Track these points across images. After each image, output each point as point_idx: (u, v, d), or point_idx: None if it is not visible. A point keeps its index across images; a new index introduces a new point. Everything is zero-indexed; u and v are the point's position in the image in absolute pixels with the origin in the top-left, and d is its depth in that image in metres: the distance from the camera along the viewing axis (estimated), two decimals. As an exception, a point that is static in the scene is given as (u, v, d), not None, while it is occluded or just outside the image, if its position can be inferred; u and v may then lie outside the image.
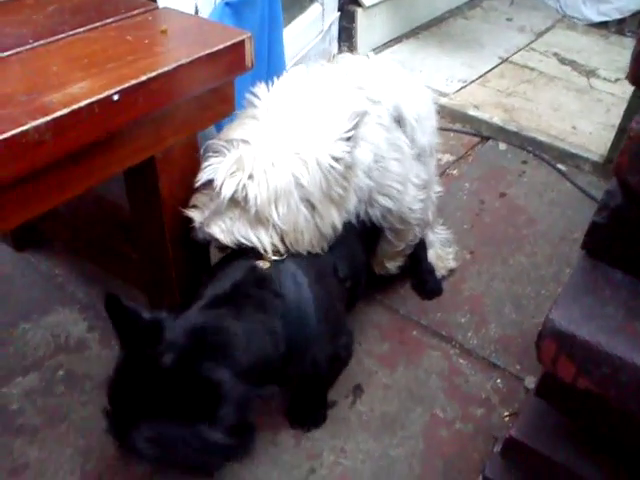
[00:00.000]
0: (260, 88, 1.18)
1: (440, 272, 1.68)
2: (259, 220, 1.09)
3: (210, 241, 1.14)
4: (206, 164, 1.10)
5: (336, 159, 1.08)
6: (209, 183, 1.10)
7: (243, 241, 1.10)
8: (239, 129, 1.11)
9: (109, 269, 1.49)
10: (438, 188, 1.64)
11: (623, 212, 0.68)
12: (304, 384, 1.32)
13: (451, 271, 1.71)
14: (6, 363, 1.40)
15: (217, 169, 1.07)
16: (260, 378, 1.01)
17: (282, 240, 1.11)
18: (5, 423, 1.27)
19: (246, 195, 1.06)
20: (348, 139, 1.09)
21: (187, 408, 0.89)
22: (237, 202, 1.08)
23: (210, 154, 1.10)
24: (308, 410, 1.33)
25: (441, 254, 1.70)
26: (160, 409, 0.90)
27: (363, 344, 1.50)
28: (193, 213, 1.13)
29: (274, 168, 1.05)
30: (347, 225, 1.22)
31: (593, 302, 0.70)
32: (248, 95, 1.17)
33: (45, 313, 1.53)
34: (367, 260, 1.43)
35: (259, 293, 1.06)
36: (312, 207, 1.10)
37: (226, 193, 1.06)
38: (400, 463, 1.27)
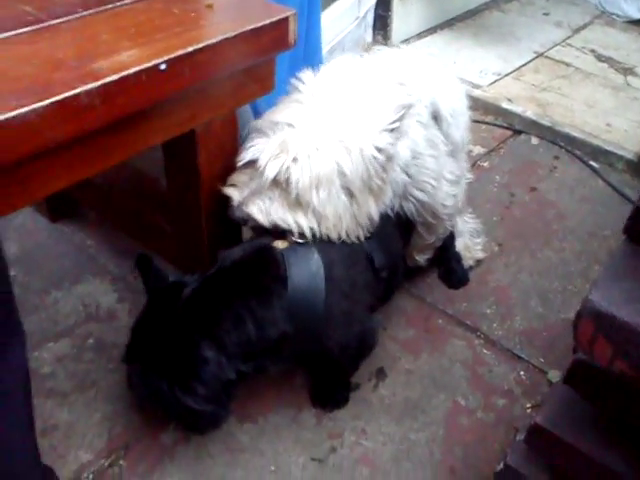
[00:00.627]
0: (305, 74, 1.18)
1: (467, 262, 1.68)
2: (299, 203, 1.10)
3: (246, 221, 1.15)
4: (250, 144, 1.11)
5: (379, 150, 1.08)
6: (251, 163, 1.11)
7: (280, 223, 1.11)
8: (285, 112, 1.12)
9: (142, 241, 1.51)
10: (468, 175, 1.64)
11: (666, 198, 0.68)
12: (321, 366, 1.34)
13: (478, 262, 1.71)
14: (39, 328, 1.43)
15: (262, 150, 1.08)
16: (247, 357, 1.08)
17: (318, 225, 1.12)
18: (36, 385, 1.28)
19: (289, 178, 1.07)
20: (392, 131, 1.09)
21: (170, 369, 1.03)
22: (279, 184, 1.09)
23: (255, 134, 1.11)
24: (330, 391, 1.34)
25: (469, 244, 1.70)
26: (153, 363, 1.05)
27: (388, 329, 1.51)
28: (232, 191, 1.14)
29: (318, 153, 1.06)
30: (385, 217, 1.24)
31: (633, 286, 0.70)
32: (293, 80, 1.18)
33: (77, 282, 1.56)
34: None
35: (257, 278, 1.09)
36: (351, 196, 1.11)
37: (269, 174, 1.07)
38: (420, 447, 1.28)
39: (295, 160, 1.06)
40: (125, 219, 1.51)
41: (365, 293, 1.20)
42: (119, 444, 1.23)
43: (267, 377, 1.34)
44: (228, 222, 1.24)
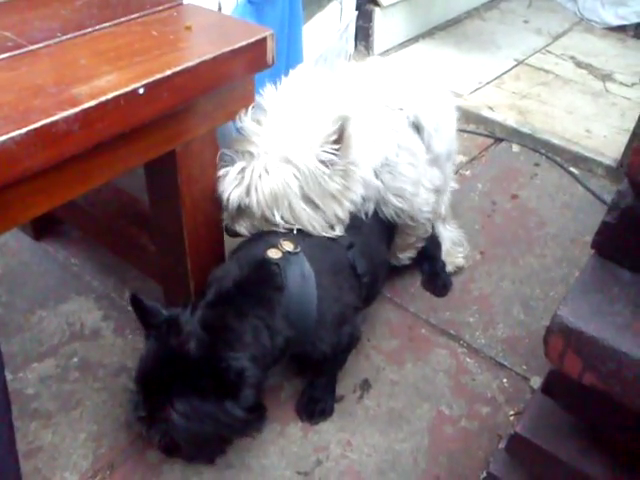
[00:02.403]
0: (267, 88, 1.25)
1: (447, 268, 1.71)
2: (267, 220, 1.20)
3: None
4: (219, 175, 1.20)
5: (323, 162, 1.15)
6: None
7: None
8: (244, 140, 1.19)
9: (126, 259, 1.52)
10: (452, 184, 1.67)
11: (633, 212, 0.70)
12: (312, 368, 1.37)
13: (459, 269, 1.73)
14: (22, 348, 1.43)
15: (224, 181, 1.19)
16: (265, 365, 1.13)
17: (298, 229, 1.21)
18: (21, 407, 1.30)
19: (248, 203, 1.18)
20: (334, 142, 1.14)
21: (215, 389, 1.04)
22: (244, 209, 1.20)
23: (222, 164, 1.20)
24: (316, 401, 1.36)
25: (451, 251, 1.72)
26: (190, 389, 1.04)
27: (372, 340, 1.53)
28: (223, 214, 1.26)
29: (268, 176, 1.15)
30: (371, 223, 1.34)
31: (601, 300, 0.72)
32: (257, 97, 1.23)
33: (61, 301, 1.56)
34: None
35: (261, 291, 1.13)
36: (313, 203, 1.19)
37: (233, 205, 1.19)
38: (405, 458, 1.29)
39: (250, 186, 1.16)
40: (108, 237, 1.51)
41: (351, 296, 1.25)
42: (104, 464, 1.23)
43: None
44: (210, 240, 1.26)
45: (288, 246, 1.16)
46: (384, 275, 1.46)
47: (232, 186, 1.18)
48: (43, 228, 1.70)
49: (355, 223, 1.29)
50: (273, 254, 1.14)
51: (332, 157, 1.15)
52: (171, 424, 1.05)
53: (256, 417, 1.12)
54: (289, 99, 1.23)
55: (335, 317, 1.21)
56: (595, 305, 0.71)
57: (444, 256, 1.70)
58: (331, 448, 1.29)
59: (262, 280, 1.13)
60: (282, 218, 1.19)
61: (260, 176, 1.15)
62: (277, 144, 1.16)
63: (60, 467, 1.22)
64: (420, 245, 1.59)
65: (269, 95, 1.23)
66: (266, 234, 1.22)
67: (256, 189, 1.16)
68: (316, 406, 1.35)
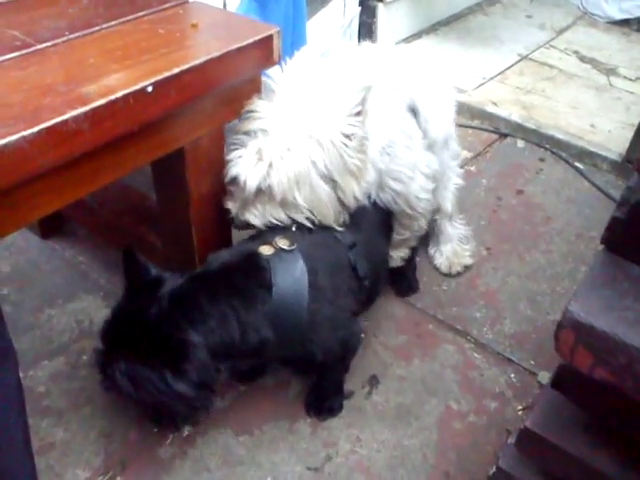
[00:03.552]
0: (274, 70, 1.20)
1: (455, 268, 1.71)
2: (286, 204, 1.15)
3: (248, 225, 1.21)
4: (229, 159, 1.14)
5: (347, 136, 1.11)
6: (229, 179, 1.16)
7: (275, 222, 1.17)
8: (257, 119, 1.13)
9: (133, 257, 1.53)
10: (458, 180, 1.66)
11: (643, 208, 0.70)
12: (311, 370, 1.36)
13: (466, 267, 1.73)
14: (33, 347, 1.44)
15: (239, 163, 1.12)
16: (227, 356, 1.10)
17: (313, 215, 1.17)
18: (31, 404, 1.30)
19: (269, 185, 1.11)
20: (357, 114, 1.11)
21: (159, 356, 1.03)
22: (262, 192, 1.13)
23: (232, 147, 1.15)
24: (324, 398, 1.36)
25: (458, 250, 1.72)
26: (138, 352, 1.03)
27: (379, 336, 1.53)
28: (229, 203, 1.19)
29: (291, 153, 1.10)
30: (370, 220, 1.29)
31: (611, 295, 0.72)
32: (265, 79, 1.20)
33: (69, 299, 1.57)
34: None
35: (243, 283, 1.10)
36: (333, 182, 1.15)
37: (251, 187, 1.12)
38: (414, 453, 1.29)
39: (271, 166, 1.10)
40: (115, 234, 1.52)
41: (348, 299, 1.22)
42: (116, 460, 1.24)
43: (262, 389, 1.36)
44: (218, 237, 1.27)
45: (283, 243, 1.13)
46: (385, 275, 1.43)
47: (250, 167, 1.11)
48: (50, 226, 1.71)
49: (356, 220, 1.25)
50: (265, 250, 1.12)
51: (355, 130, 1.11)
52: (116, 382, 1.05)
53: (200, 397, 1.08)
54: (298, 78, 1.18)
55: (328, 321, 1.17)
56: (605, 300, 0.71)
57: (451, 256, 1.70)
58: (340, 444, 1.30)
59: (247, 273, 1.11)
60: (301, 203, 1.14)
61: (282, 155, 1.09)
62: (297, 119, 1.11)
63: (72, 464, 1.23)
64: (413, 244, 1.55)
65: (275, 75, 1.19)
66: (270, 231, 1.18)
67: (278, 168, 1.10)
68: (324, 403, 1.35)
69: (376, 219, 1.35)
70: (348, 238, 1.22)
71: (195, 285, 1.09)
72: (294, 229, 1.17)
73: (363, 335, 1.51)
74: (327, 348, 1.20)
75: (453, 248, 1.71)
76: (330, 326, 1.18)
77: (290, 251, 1.12)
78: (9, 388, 0.85)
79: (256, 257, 1.11)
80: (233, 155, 1.14)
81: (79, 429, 1.28)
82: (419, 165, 1.36)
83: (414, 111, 1.36)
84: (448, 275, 1.71)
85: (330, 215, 1.18)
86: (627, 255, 0.75)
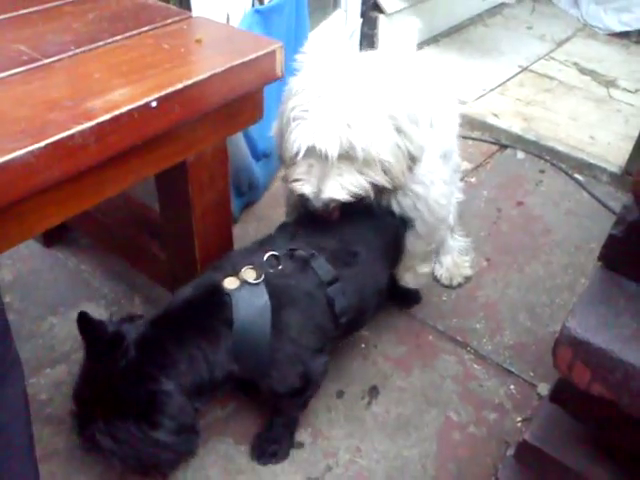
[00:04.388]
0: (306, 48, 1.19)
1: (456, 280, 1.72)
2: (367, 163, 1.14)
3: (328, 205, 1.18)
4: (294, 135, 1.11)
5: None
6: (304, 154, 1.13)
7: (359, 191, 1.16)
8: (310, 92, 1.11)
9: (136, 267, 1.54)
10: (459, 194, 1.68)
11: (639, 227, 0.71)
12: (270, 402, 1.32)
13: (467, 278, 1.74)
14: (35, 355, 1.45)
15: (314, 133, 1.09)
16: (200, 394, 1.09)
17: (386, 176, 1.17)
18: (34, 412, 1.30)
19: (351, 144, 1.10)
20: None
21: (135, 410, 1.02)
22: (343, 156, 1.12)
23: (292, 125, 1.12)
24: (272, 441, 1.30)
25: (458, 261, 1.73)
26: (114, 408, 1.02)
27: (379, 347, 1.54)
28: (302, 187, 1.16)
29: (368, 107, 1.09)
30: (371, 248, 1.27)
31: (608, 312, 0.73)
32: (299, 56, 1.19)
33: (72, 308, 1.58)
34: (387, 283, 1.40)
35: (207, 320, 1.08)
36: (403, 133, 1.15)
37: (333, 152, 1.09)
38: (414, 464, 1.30)
39: (349, 126, 1.09)
40: (119, 244, 1.53)
41: (315, 336, 1.18)
42: (118, 468, 1.24)
43: (262, 399, 1.37)
44: (219, 247, 1.28)
45: (249, 275, 1.09)
46: (378, 303, 1.36)
47: (327, 134, 1.08)
48: (53, 235, 1.72)
49: (349, 252, 1.23)
50: (229, 283, 1.08)
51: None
52: (96, 441, 1.03)
53: (182, 441, 1.07)
54: (334, 53, 1.19)
55: (288, 358, 1.15)
56: (602, 317, 0.73)
57: (452, 267, 1.71)
58: (340, 454, 1.31)
59: (209, 310, 1.08)
60: (383, 157, 1.13)
61: (358, 110, 1.08)
62: (359, 82, 1.11)
63: (74, 471, 1.24)
64: (433, 257, 1.57)
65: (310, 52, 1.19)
66: (241, 257, 1.16)
67: (357, 125, 1.08)
68: (269, 447, 1.30)
69: (379, 244, 1.31)
70: (328, 273, 1.17)
71: (159, 330, 1.07)
72: (266, 258, 1.13)
73: (364, 345, 1.53)
74: (287, 384, 1.18)
75: (453, 260, 1.72)
76: (290, 363, 1.16)
77: (256, 284, 1.08)
78: (16, 399, 0.86)
79: (218, 292, 1.08)
80: (297, 132, 1.11)
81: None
82: (438, 171, 1.38)
83: (430, 122, 1.37)
84: (449, 287, 1.72)
85: (402, 171, 1.18)
86: (624, 272, 0.76)
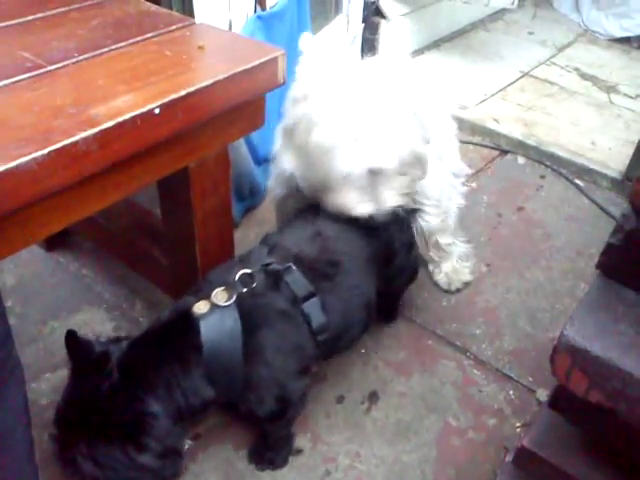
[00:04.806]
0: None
1: (455, 285, 1.73)
2: (412, 164, 1.17)
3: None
4: (341, 162, 1.13)
5: None
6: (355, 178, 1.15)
7: (409, 191, 1.21)
8: (336, 116, 1.12)
9: (137, 271, 1.55)
10: (460, 200, 1.69)
11: (636, 235, 0.72)
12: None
13: (466, 284, 1.75)
14: (36, 359, 1.45)
15: (365, 156, 1.12)
16: (182, 418, 1.07)
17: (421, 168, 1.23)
18: (34, 417, 1.31)
19: (405, 154, 1.14)
20: None
21: (119, 431, 1.00)
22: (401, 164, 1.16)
23: (328, 154, 1.13)
24: (269, 448, 1.29)
25: (457, 267, 1.73)
26: (97, 431, 1.00)
27: (379, 352, 1.54)
28: (362, 208, 1.18)
29: (398, 110, 1.13)
30: (355, 258, 1.22)
31: (606, 319, 0.74)
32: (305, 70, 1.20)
33: (73, 312, 1.58)
34: (377, 301, 1.33)
35: (178, 345, 1.06)
36: (420, 123, 1.19)
37: (390, 166, 1.13)
38: (413, 469, 1.31)
39: (394, 136, 1.12)
40: (120, 249, 1.54)
41: (293, 358, 1.15)
42: None
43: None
44: (221, 253, 1.29)
45: (220, 297, 1.05)
46: (366, 317, 1.27)
47: (386, 149, 1.11)
48: (55, 239, 1.73)
49: (328, 265, 1.18)
50: (199, 308, 1.05)
51: None
52: (79, 466, 1.01)
53: (167, 464, 1.05)
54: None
55: (264, 381, 1.12)
56: (600, 325, 0.73)
57: (451, 273, 1.72)
58: (340, 459, 1.31)
59: (180, 336, 1.06)
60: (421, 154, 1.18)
61: (396, 118, 1.11)
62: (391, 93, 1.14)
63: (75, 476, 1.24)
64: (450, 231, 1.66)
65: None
66: (246, 257, 1.15)
67: (402, 132, 1.12)
68: (266, 454, 1.29)
69: (367, 253, 1.25)
70: (303, 288, 1.12)
71: (139, 352, 1.06)
72: (237, 277, 1.08)
73: (364, 350, 1.54)
74: (265, 407, 1.16)
75: (453, 265, 1.72)
76: (266, 387, 1.13)
77: (226, 307, 1.05)
78: (16, 405, 0.87)
79: (187, 317, 1.06)
80: (352, 151, 1.11)
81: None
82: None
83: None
84: (447, 291, 1.73)
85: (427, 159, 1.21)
86: (622, 280, 0.77)
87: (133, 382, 1.02)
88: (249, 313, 1.07)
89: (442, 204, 1.56)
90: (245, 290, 1.07)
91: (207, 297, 1.06)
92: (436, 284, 1.75)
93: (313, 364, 1.21)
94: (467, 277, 1.74)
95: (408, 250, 1.41)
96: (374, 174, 1.14)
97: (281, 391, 1.15)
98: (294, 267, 1.12)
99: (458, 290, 1.73)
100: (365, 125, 1.11)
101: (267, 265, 1.12)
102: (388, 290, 1.43)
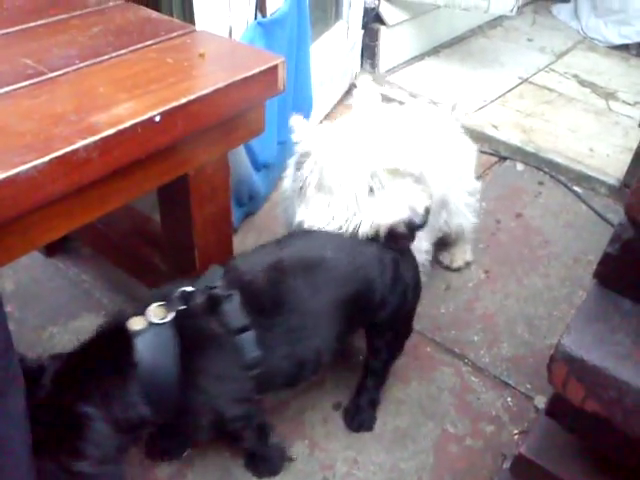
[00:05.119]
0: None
1: (457, 263, 1.84)
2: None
3: None
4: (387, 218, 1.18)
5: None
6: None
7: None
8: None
9: (137, 277, 1.55)
10: (474, 218, 1.78)
11: (633, 245, 0.72)
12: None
13: (467, 264, 1.84)
14: (35, 364, 1.45)
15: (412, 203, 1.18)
16: (122, 431, 1.01)
17: None
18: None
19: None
20: None
21: (53, 443, 0.95)
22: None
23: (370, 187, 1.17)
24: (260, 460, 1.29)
25: (461, 248, 1.83)
26: (36, 442, 0.93)
27: (378, 358, 1.55)
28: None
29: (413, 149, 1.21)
30: (313, 299, 1.13)
31: (603, 329, 0.74)
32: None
33: (72, 318, 1.59)
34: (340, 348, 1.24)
35: (112, 360, 1.02)
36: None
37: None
38: (410, 476, 1.31)
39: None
40: (120, 255, 1.54)
41: (231, 386, 1.10)
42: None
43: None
44: (219, 259, 1.29)
45: (156, 314, 1.01)
46: (314, 362, 1.16)
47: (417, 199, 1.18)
48: (55, 245, 1.73)
49: (279, 298, 1.09)
50: (135, 323, 1.01)
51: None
52: None
53: (107, 472, 1.00)
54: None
55: (200, 406, 1.07)
56: (597, 334, 0.74)
57: (454, 251, 1.82)
58: (337, 466, 1.31)
59: (113, 351, 1.02)
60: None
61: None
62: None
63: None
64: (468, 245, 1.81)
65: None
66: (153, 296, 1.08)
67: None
68: (259, 464, 1.29)
69: (333, 295, 1.13)
70: (238, 320, 1.05)
71: (76, 363, 1.02)
72: (177, 295, 1.04)
73: (361, 357, 1.54)
74: (202, 433, 1.13)
75: (457, 246, 1.82)
76: (202, 412, 1.09)
77: (162, 325, 1.01)
78: (16, 414, 0.87)
79: (121, 333, 1.01)
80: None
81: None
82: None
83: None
84: (448, 268, 1.82)
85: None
86: (619, 290, 0.77)
87: (68, 392, 0.98)
88: (186, 334, 1.02)
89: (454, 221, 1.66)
90: (181, 309, 1.03)
91: (141, 313, 1.02)
92: (439, 261, 1.83)
93: (253, 395, 1.14)
94: (469, 256, 1.84)
95: (398, 293, 1.22)
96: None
97: (218, 417, 1.10)
98: (236, 296, 1.06)
99: (459, 268, 1.82)
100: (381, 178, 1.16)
101: (212, 288, 1.06)
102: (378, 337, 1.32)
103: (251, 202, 1.91)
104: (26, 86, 0.97)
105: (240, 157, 1.67)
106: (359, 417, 1.39)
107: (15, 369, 0.86)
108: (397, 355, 1.37)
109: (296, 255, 1.15)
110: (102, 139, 0.87)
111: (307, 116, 2.05)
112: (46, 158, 0.82)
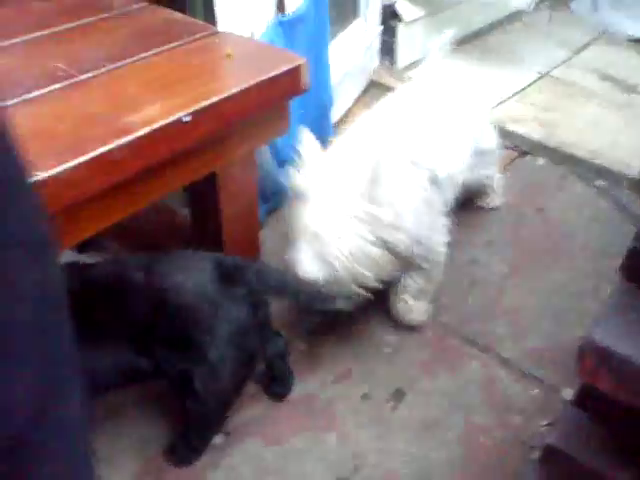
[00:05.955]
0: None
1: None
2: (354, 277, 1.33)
3: None
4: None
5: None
6: None
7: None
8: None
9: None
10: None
11: (658, 240, 0.73)
12: None
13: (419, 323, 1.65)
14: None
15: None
16: None
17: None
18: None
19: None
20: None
21: None
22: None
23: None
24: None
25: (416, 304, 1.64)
26: None
27: (404, 350, 1.56)
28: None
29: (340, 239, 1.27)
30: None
31: (631, 321, 0.74)
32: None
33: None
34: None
35: None
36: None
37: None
38: (440, 467, 1.32)
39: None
40: (146, 249, 1.57)
41: None
42: (152, 468, 1.28)
43: (289, 401, 1.41)
44: (247, 253, 1.31)
45: None
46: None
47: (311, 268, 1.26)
48: (85, 241, 1.75)
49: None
50: None
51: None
52: None
53: None
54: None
55: None
56: (626, 326, 0.74)
57: (410, 305, 1.61)
58: (368, 456, 1.33)
59: None
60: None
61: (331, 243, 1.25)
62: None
63: (109, 473, 1.27)
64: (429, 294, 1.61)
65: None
66: None
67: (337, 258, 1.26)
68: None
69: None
70: None
71: None
72: None
73: (388, 349, 1.55)
74: None
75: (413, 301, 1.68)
76: None
77: None
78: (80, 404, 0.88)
79: None
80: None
81: (114, 439, 1.32)
82: (438, 225, 1.51)
83: (435, 182, 1.46)
84: (395, 320, 1.62)
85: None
86: (644, 283, 0.78)
87: None
88: None
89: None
90: None
91: None
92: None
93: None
94: (422, 317, 1.62)
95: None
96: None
97: None
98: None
99: (408, 325, 1.61)
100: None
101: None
102: None
103: (275, 198, 1.93)
104: (58, 89, 1.00)
105: (264, 153, 1.69)
106: None
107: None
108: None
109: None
110: (135, 139, 0.90)
111: (328, 113, 2.07)
112: (81, 159, 0.85)
